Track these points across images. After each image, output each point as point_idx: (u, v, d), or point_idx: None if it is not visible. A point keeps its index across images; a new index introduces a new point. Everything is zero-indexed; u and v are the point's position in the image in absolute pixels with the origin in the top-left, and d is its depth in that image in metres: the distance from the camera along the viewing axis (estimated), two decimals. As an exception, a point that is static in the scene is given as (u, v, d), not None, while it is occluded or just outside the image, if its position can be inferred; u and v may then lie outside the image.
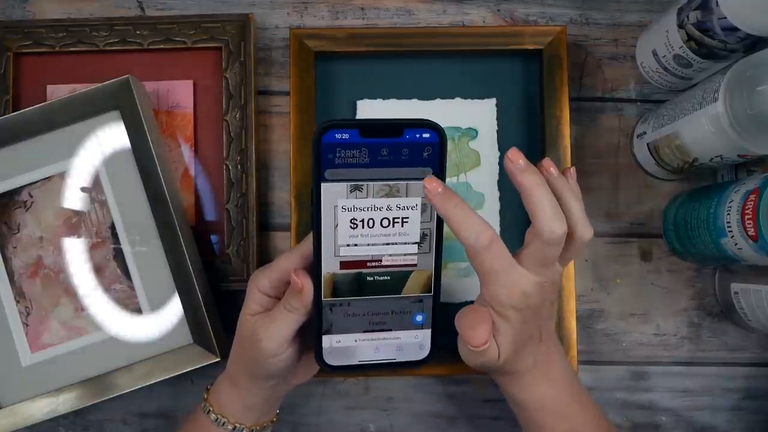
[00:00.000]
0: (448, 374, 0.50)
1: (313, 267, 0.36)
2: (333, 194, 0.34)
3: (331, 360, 0.38)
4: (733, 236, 0.43)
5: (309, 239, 0.37)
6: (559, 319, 0.49)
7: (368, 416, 0.52)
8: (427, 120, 0.34)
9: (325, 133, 0.33)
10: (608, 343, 0.52)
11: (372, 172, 0.34)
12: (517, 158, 0.35)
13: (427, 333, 0.39)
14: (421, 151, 0.34)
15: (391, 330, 0.38)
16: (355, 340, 0.38)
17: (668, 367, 0.52)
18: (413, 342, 0.38)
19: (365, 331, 0.38)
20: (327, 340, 0.37)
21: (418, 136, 0.34)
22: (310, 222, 0.36)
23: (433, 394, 0.52)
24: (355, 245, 0.36)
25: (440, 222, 0.36)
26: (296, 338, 0.38)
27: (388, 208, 0.35)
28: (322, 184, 0.34)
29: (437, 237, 0.36)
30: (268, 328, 0.37)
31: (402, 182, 0.35)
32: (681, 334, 0.52)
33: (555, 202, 0.35)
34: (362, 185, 0.34)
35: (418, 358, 0.39)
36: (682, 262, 0.52)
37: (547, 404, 0.39)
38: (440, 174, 0.35)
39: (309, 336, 0.39)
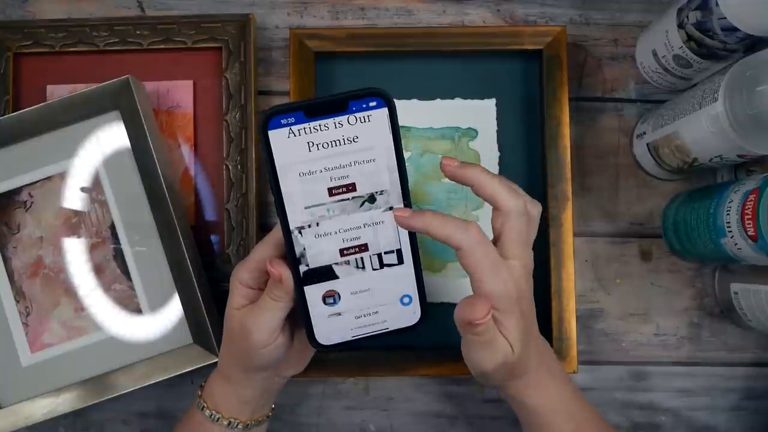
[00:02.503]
0: (448, 374, 0.50)
1: (286, 247, 0.36)
2: (291, 173, 0.34)
3: (324, 340, 0.38)
4: (732, 236, 0.43)
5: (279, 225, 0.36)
6: (559, 319, 0.49)
7: (368, 416, 0.52)
8: (370, 88, 0.33)
9: (270, 121, 0.33)
10: (608, 343, 0.52)
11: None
12: (451, 161, 0.36)
13: (414, 294, 0.37)
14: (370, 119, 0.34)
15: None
16: (345, 314, 0.37)
17: (668, 367, 0.52)
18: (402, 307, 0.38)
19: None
20: (315, 320, 0.37)
21: (364, 106, 0.33)
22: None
23: (433, 394, 0.52)
24: (319, 205, 0.35)
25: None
26: (285, 327, 0.39)
27: (343, 166, 0.34)
28: (276, 165, 0.34)
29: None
30: (257, 318, 0.37)
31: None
32: (681, 334, 0.52)
33: (504, 180, 0.36)
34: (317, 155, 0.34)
35: (410, 324, 0.38)
36: (682, 262, 0.52)
37: (555, 405, 0.39)
38: (396, 142, 0.34)
39: (297, 324, 0.39)
